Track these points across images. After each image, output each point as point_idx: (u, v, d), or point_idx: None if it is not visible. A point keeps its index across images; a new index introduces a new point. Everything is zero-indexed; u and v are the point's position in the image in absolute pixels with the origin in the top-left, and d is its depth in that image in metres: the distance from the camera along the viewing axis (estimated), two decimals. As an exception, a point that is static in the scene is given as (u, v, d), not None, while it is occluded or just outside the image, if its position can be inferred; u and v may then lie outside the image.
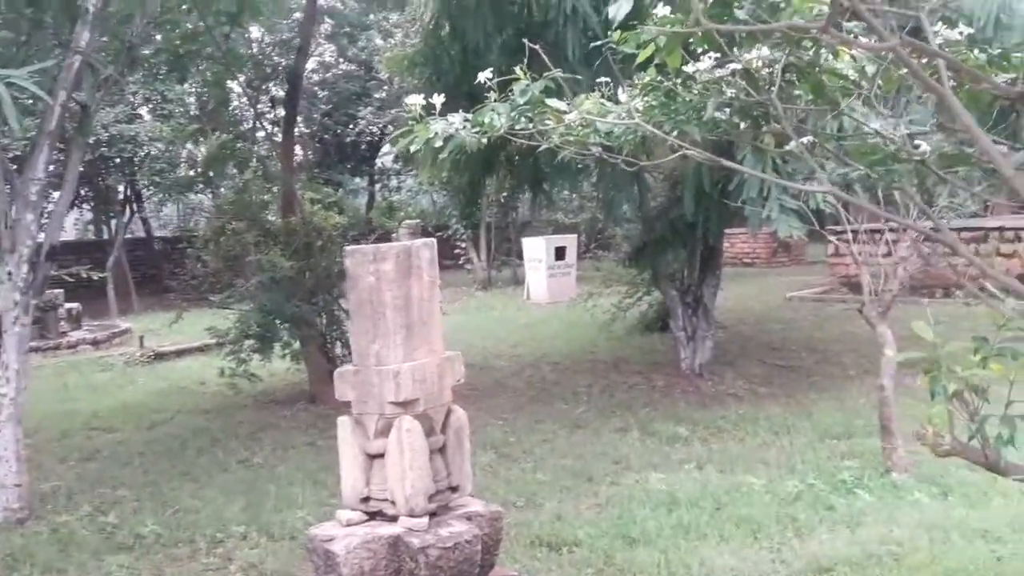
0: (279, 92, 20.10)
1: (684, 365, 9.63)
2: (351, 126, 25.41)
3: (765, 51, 2.96)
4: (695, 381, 9.30)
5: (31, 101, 9.33)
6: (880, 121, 3.29)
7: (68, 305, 15.15)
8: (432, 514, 3.77)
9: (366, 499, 3.85)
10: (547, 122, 3.01)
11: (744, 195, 7.37)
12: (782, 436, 7.22)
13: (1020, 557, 4.58)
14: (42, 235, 7.03)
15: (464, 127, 2.99)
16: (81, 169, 9.59)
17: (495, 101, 2.99)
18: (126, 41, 7.82)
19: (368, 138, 26.09)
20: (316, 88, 25.00)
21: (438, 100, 3.09)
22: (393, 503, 3.76)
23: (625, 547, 5.16)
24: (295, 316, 9.40)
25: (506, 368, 10.66)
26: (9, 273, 6.43)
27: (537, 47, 2.97)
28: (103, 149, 18.72)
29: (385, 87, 24.27)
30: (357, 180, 28.16)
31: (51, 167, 7.21)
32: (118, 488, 6.88)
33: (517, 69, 2.97)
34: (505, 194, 16.05)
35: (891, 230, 6.75)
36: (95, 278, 13.41)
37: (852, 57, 3.04)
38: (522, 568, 4.82)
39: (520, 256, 20.03)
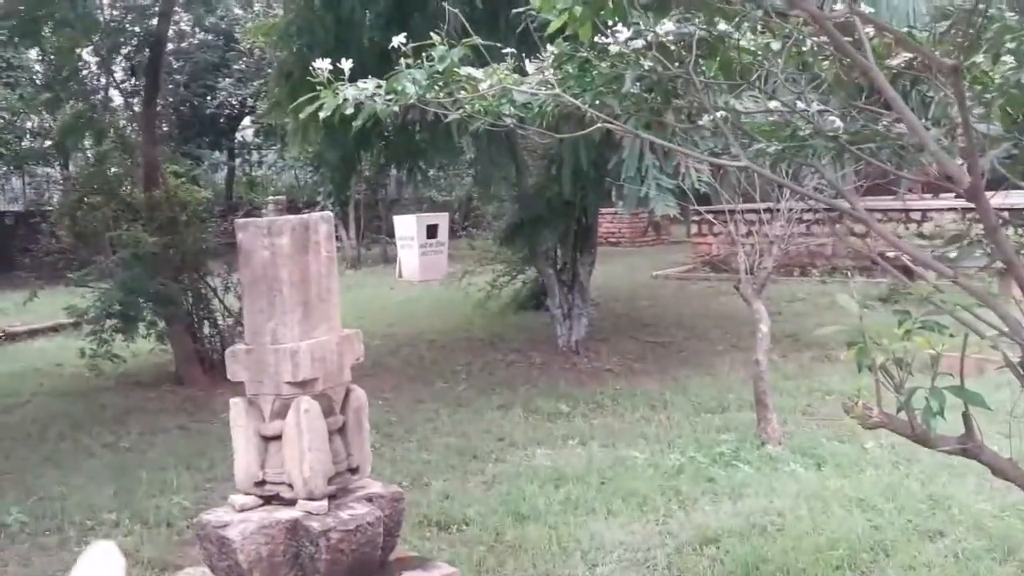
0: (135, 60, 19.13)
1: (561, 342, 9.72)
2: (209, 98, 24.47)
3: (670, 25, 2.98)
4: (572, 358, 9.41)
5: None
6: (780, 100, 3.36)
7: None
8: (331, 496, 3.65)
9: (261, 483, 3.69)
10: (461, 92, 2.92)
11: (623, 174, 7.48)
12: (659, 411, 7.39)
13: (895, 526, 4.82)
14: None
15: (378, 94, 2.87)
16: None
17: (408, 68, 2.88)
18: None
19: (227, 111, 25.19)
20: (171, 58, 23.91)
21: (346, 65, 2.96)
22: (291, 486, 3.62)
23: (515, 524, 5.16)
24: (160, 294, 8.98)
25: (382, 347, 10.51)
26: None
27: (456, 12, 2.87)
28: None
29: (245, 58, 23.47)
30: (216, 154, 27.16)
31: None
32: (-27, 476, 6.43)
33: (433, 34, 2.87)
34: (374, 170, 15.78)
35: (767, 210, 6.97)
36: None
37: (753, 33, 3.09)
38: (411, 548, 4.76)
39: (390, 234, 19.80)
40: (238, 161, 27.83)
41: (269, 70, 19.90)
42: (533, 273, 12.11)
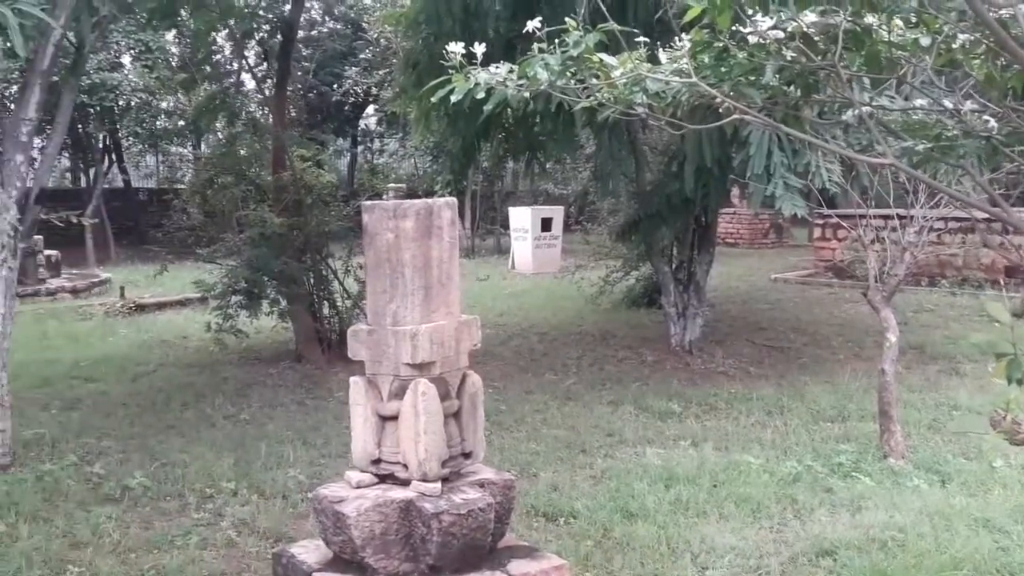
0: (267, 46, 19.75)
1: (674, 341, 9.57)
2: (336, 85, 25.05)
3: (813, 16, 2.86)
4: (685, 358, 9.26)
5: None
6: (926, 98, 3.20)
7: (47, 252, 14.85)
8: (444, 479, 3.68)
9: (377, 461, 3.74)
10: (593, 79, 2.88)
11: (750, 171, 7.30)
12: (776, 416, 7.19)
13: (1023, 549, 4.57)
14: (31, 179, 6.82)
15: (510, 79, 2.85)
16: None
17: (540, 53, 2.85)
18: (123, -19, 7.57)
19: (352, 99, 25.75)
20: (301, 45, 24.58)
21: (479, 49, 2.95)
22: (405, 467, 3.66)
23: (623, 521, 5.10)
24: (283, 273, 9.23)
25: (493, 336, 10.56)
26: (-3, 215, 6.22)
27: (597, 2, 2.82)
28: (83, 97, 18.32)
29: (371, 47, 23.93)
30: (340, 141, 27.83)
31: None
32: (103, 439, 6.72)
33: (568, 19, 2.83)
34: (492, 162, 15.89)
35: (899, 216, 6.69)
36: (85, 224, 13.12)
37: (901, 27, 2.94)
38: (519, 537, 4.75)
39: (504, 225, 19.90)
40: (360, 148, 28.45)
41: (394, 59, 20.27)
42: (647, 270, 11.98)
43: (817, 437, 6.61)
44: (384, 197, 17.59)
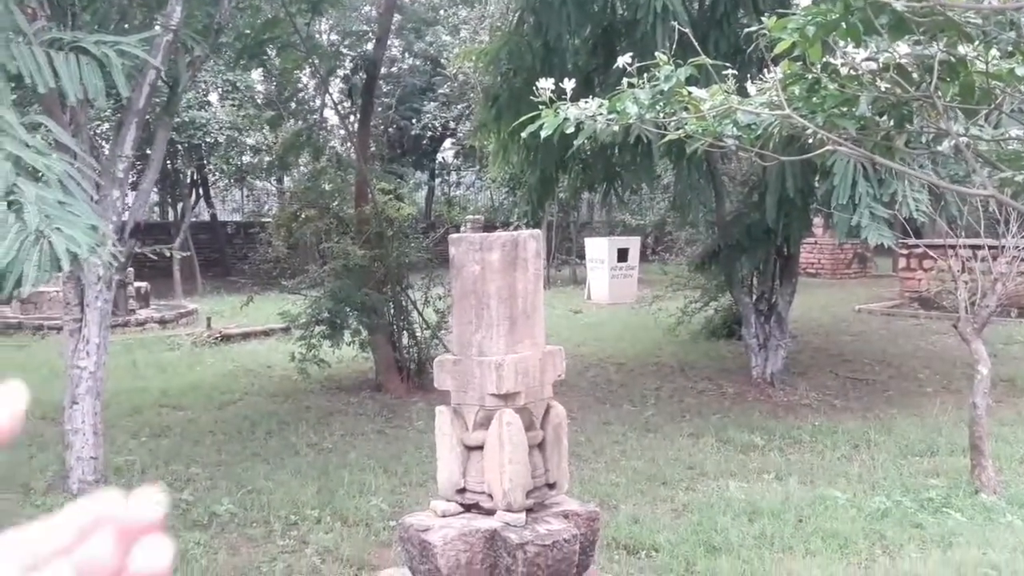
0: (349, 83, 20.25)
1: (755, 373, 9.44)
2: (415, 120, 25.49)
3: (905, 47, 2.85)
4: (767, 390, 9.12)
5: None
6: (1020, 127, 3.15)
7: (137, 284, 15.35)
8: (529, 510, 3.69)
9: (462, 491, 3.78)
10: (683, 112, 2.90)
11: (835, 201, 7.21)
12: (862, 450, 7.04)
13: None
14: (126, 213, 7.09)
15: (600, 113, 2.89)
16: (148, 151, 9.71)
17: (631, 87, 2.89)
18: (215, 22, 7.84)
19: (431, 133, 26.15)
20: (382, 82, 25.11)
21: (569, 85, 3.00)
22: (490, 496, 3.69)
23: (707, 555, 5.04)
24: (365, 304, 9.39)
25: (570, 367, 10.48)
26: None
27: (686, 32, 2.85)
28: (172, 134, 18.99)
29: (449, 83, 24.31)
30: (418, 174, 28.27)
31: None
32: (191, 466, 6.90)
33: (658, 54, 2.86)
34: (569, 193, 15.98)
35: (990, 247, 6.52)
36: (177, 256, 13.55)
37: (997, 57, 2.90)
38: (601, 570, 4.73)
39: (580, 256, 19.91)
40: (438, 181, 28.84)
41: (471, 94, 20.58)
42: (726, 301, 11.86)
43: (905, 472, 6.44)
44: (462, 229, 17.81)
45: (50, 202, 4.39)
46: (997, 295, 6.37)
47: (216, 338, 13.13)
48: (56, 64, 5.03)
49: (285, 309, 9.75)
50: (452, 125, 25.59)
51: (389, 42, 24.34)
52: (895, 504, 5.72)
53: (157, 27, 6.98)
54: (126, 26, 7.59)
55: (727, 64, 2.94)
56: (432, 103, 24.78)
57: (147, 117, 7.45)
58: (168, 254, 11.03)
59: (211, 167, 22.84)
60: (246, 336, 13.37)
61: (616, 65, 3.08)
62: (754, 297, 9.90)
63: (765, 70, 3.08)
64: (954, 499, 5.76)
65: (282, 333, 12.18)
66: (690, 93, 2.87)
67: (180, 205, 23.66)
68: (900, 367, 10.21)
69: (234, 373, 10.85)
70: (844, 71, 2.87)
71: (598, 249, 17.88)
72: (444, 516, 3.72)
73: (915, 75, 2.89)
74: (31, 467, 6.85)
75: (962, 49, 2.82)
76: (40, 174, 4.61)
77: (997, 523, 5.38)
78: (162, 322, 14.91)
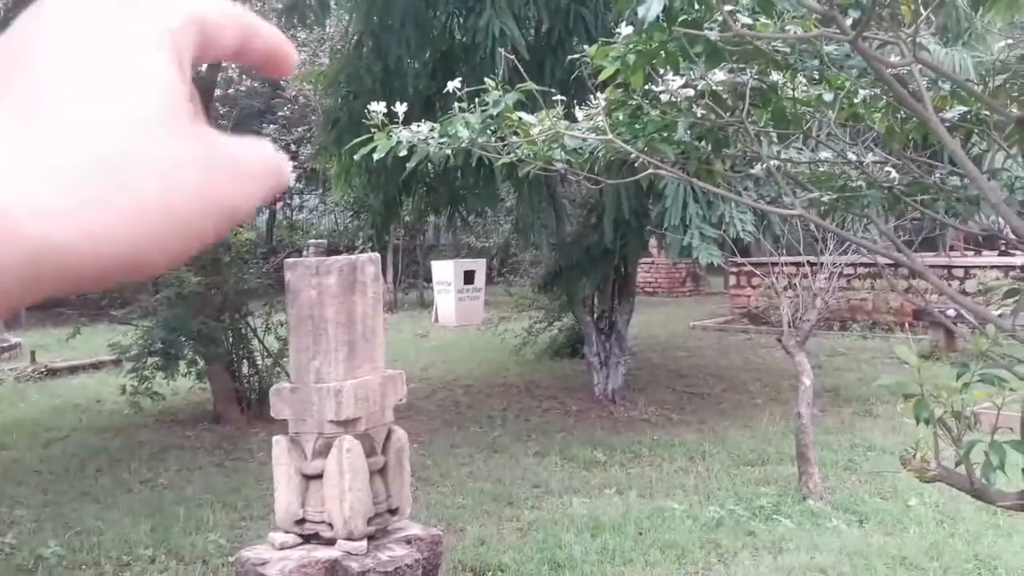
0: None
1: (597, 390, 9.66)
2: (254, 142, 24.90)
3: (721, 75, 3.00)
4: (609, 407, 9.34)
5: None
6: (830, 151, 3.36)
7: (-50, 317, 14.31)
8: (371, 537, 3.64)
9: (301, 521, 3.69)
10: (513, 136, 2.96)
11: (666, 223, 7.51)
12: (698, 462, 7.30)
13: (940, 582, 4.71)
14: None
15: (432, 137, 2.91)
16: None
17: (463, 111, 2.92)
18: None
19: (271, 156, 25.58)
20: (218, 104, 24.42)
21: (401, 109, 3.01)
22: (331, 525, 3.62)
23: (551, 572, 5.11)
24: (201, 333, 9.06)
25: (417, 390, 10.50)
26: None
27: (512, 58, 2.91)
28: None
29: (289, 105, 23.92)
30: (258, 197, 27.56)
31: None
32: (14, 507, 6.46)
33: (487, 79, 2.91)
34: (414, 216, 15.96)
35: (810, 263, 6.92)
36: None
37: (806, 84, 3.10)
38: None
39: (427, 279, 19.90)
40: (279, 205, 28.22)
41: (313, 117, 20.30)
42: (569, 321, 12.10)
43: (738, 481, 6.72)
44: (304, 253, 17.48)
45: None
46: (818, 310, 6.77)
47: (41, 372, 12.38)
48: None
49: (115, 340, 9.28)
50: (293, 148, 25.12)
51: (225, 64, 23.78)
52: (728, 513, 5.95)
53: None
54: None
55: (554, 91, 3.01)
56: (272, 125, 24.28)
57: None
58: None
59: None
60: (73, 370, 12.65)
61: (445, 89, 3.12)
62: (595, 316, 10.14)
63: (593, 96, 3.18)
64: (783, 506, 6.05)
65: (112, 365, 11.56)
66: (520, 119, 2.92)
67: None
68: (732, 380, 10.67)
69: (61, 409, 10.24)
70: (664, 98, 3.00)
71: (444, 272, 17.92)
72: (282, 548, 3.63)
73: (729, 101, 3.04)
74: None
75: (773, 76, 3.00)
76: None
77: (824, 527, 5.67)
78: (-20, 357, 13.94)
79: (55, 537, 5.76)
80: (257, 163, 0.41)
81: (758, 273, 11.36)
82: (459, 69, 9.37)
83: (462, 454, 7.79)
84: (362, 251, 19.84)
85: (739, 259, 8.31)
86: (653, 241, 13.62)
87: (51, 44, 0.37)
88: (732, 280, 16.43)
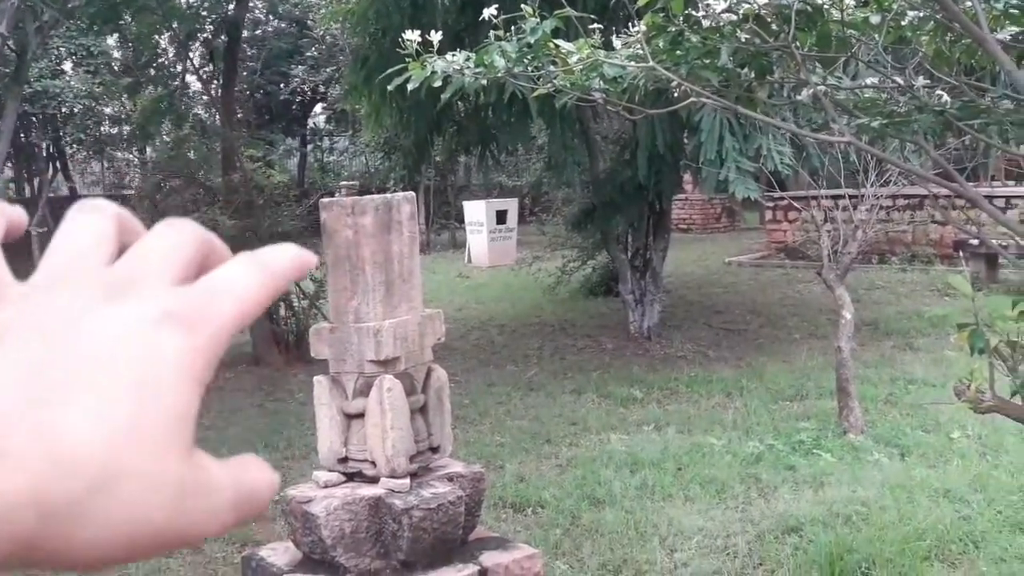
0: (212, 47, 19.50)
1: (633, 328, 9.63)
2: (283, 85, 24.80)
3: (763, -1, 2.89)
4: (644, 344, 9.31)
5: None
6: (876, 76, 3.25)
7: (-9, 264, 14.47)
8: (413, 475, 3.65)
9: (344, 460, 3.71)
10: (551, 66, 2.88)
11: (701, 157, 7.37)
12: (736, 398, 7.27)
13: (984, 517, 4.67)
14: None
15: (467, 67, 2.84)
16: None
17: (499, 40, 2.84)
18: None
19: (300, 97, 25.49)
20: (245, 45, 24.25)
21: (436, 37, 2.93)
22: (373, 464, 3.63)
23: (591, 507, 5.13)
24: (238, 276, 9.10)
25: (453, 331, 10.50)
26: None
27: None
28: (25, 105, 17.93)
29: (317, 45, 23.71)
30: (289, 140, 27.55)
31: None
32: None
33: (524, 6, 2.82)
34: (445, 156, 15.86)
35: (851, 196, 6.78)
36: (33, 233, 12.84)
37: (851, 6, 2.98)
38: (488, 529, 4.75)
39: (459, 220, 19.85)
40: (310, 147, 28.18)
41: (341, 57, 20.13)
42: (603, 259, 12.03)
43: (777, 416, 6.69)
44: (336, 195, 17.50)
45: None
46: (858, 243, 6.65)
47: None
48: None
49: (153, 284, 9.37)
50: (322, 89, 24.99)
51: (252, 3, 23.58)
52: (768, 448, 5.93)
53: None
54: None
55: (593, 17, 2.92)
56: (300, 67, 24.13)
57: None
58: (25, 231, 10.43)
59: (68, 139, 21.71)
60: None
61: (483, 20, 3.03)
62: (629, 254, 10.07)
63: (630, 24, 3.08)
64: (824, 441, 6.02)
65: (152, 309, 11.71)
66: (557, 46, 2.84)
67: (37, 180, 22.42)
68: (769, 316, 10.58)
69: (102, 353, 10.39)
70: (706, 23, 2.90)
71: (476, 212, 17.86)
72: (326, 486, 3.65)
73: (774, 26, 2.93)
74: None
75: (818, -1, 2.88)
76: None
77: (864, 461, 5.64)
78: (21, 303, 14.15)
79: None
80: (235, 493, 0.37)
81: (796, 207, 11.20)
82: (487, 3, 9.22)
83: (499, 393, 7.82)
84: (394, 192, 19.82)
85: (776, 193, 8.17)
86: (687, 176, 13.45)
87: (45, 334, 0.34)
88: (768, 215, 16.22)
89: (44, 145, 21.90)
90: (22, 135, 19.98)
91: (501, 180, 20.98)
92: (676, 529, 4.78)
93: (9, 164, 22.52)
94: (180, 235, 0.39)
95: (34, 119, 19.20)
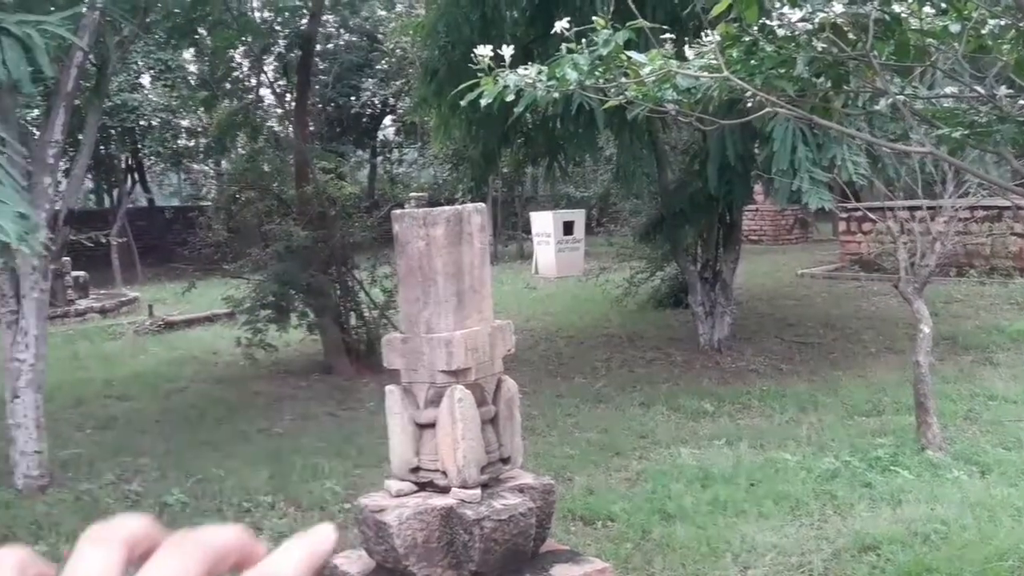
0: (284, 61, 19.86)
1: (703, 340, 9.53)
2: (353, 97, 25.16)
3: (839, 7, 2.84)
4: (715, 357, 9.21)
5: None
6: (955, 85, 3.17)
7: (75, 273, 14.97)
8: (484, 486, 3.67)
9: (416, 469, 3.74)
10: (623, 79, 2.87)
11: (774, 167, 7.27)
12: (810, 412, 7.14)
13: (1072, 536, 4.50)
14: (58, 201, 6.89)
15: (540, 80, 2.84)
16: (79, 136, 9.43)
17: (570, 52, 2.84)
18: (143, 1, 7.58)
19: (370, 110, 25.84)
20: (318, 59, 24.67)
21: (507, 51, 2.95)
22: (444, 474, 3.65)
23: (662, 522, 5.07)
24: (310, 286, 9.27)
25: (520, 342, 10.44)
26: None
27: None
28: (105, 118, 18.49)
29: (387, 58, 24.01)
30: (359, 152, 27.94)
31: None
32: (139, 456, 6.76)
33: (596, 18, 2.82)
34: (513, 167, 15.92)
35: (928, 207, 6.62)
36: (112, 243, 13.27)
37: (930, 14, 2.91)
38: (559, 542, 4.73)
39: (526, 230, 19.89)
40: (379, 159, 28.54)
41: (411, 70, 20.34)
42: (672, 270, 11.94)
43: (853, 432, 6.55)
44: (406, 206, 17.67)
45: (-26, 191, 4.23)
46: (936, 255, 6.48)
47: (159, 326, 12.89)
48: (-26, 46, 4.83)
49: (229, 294, 9.58)
50: (391, 101, 25.31)
51: (324, 17, 23.97)
52: (844, 464, 5.81)
53: (83, 6, 6.75)
54: (52, 8, 7.31)
55: (666, 27, 2.90)
56: (370, 80, 24.47)
57: (76, 101, 7.21)
58: (103, 241, 10.78)
59: (146, 151, 22.32)
60: (190, 323, 13.13)
61: (554, 33, 3.04)
62: (699, 265, 9.98)
63: (702, 34, 3.06)
64: (901, 457, 5.87)
65: (226, 318, 11.98)
66: (629, 58, 2.83)
67: (116, 191, 23.10)
68: (843, 329, 10.38)
69: (179, 361, 10.65)
70: (780, 32, 2.86)
71: (544, 223, 17.88)
72: (399, 496, 3.68)
73: (851, 35, 2.89)
74: (-29, 465, 6.67)
75: (896, 7, 2.82)
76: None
77: (944, 479, 5.48)
78: (103, 311, 14.58)
79: (178, 485, 6.01)
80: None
81: (871, 218, 10.97)
82: (557, 14, 9.23)
83: (567, 404, 7.80)
84: (461, 203, 19.93)
85: (851, 203, 8.02)
86: (758, 187, 13.30)
87: None
88: (842, 226, 15.90)
89: (123, 157, 22.53)
90: (102, 147, 20.60)
91: (568, 191, 20.98)
92: (749, 546, 4.70)
93: (89, 176, 23.22)
94: (184, 561, 0.40)
95: (113, 132, 19.78)
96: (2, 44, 4.99)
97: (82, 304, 14.72)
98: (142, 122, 20.01)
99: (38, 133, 7.18)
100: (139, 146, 21.80)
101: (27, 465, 6.11)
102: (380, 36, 23.53)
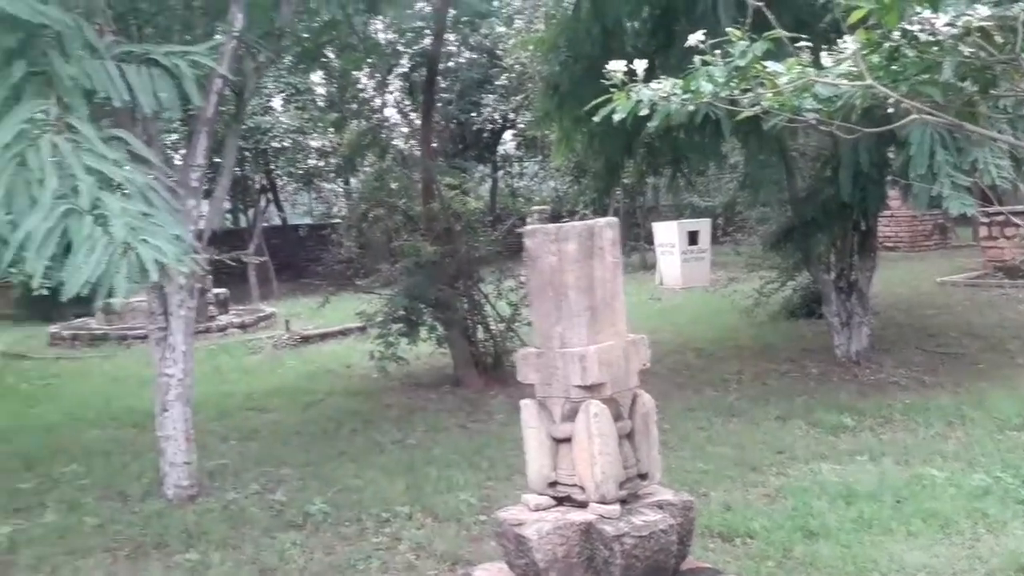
0: (409, 81, 20.33)
1: (839, 352, 9.24)
2: (475, 114, 25.52)
3: (984, 10, 2.72)
4: (852, 369, 8.91)
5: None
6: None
7: (216, 290, 15.66)
8: (622, 501, 3.65)
9: (553, 484, 3.75)
10: (759, 87, 2.82)
11: (912, 172, 7.00)
12: (957, 427, 6.83)
13: None
14: (202, 221, 7.21)
15: (675, 94, 2.83)
16: (219, 159, 9.88)
17: (705, 64, 2.81)
18: (275, 26, 7.86)
19: (491, 125, 26.14)
20: (440, 77, 25.13)
21: (640, 66, 2.94)
22: (582, 489, 3.65)
23: (804, 540, 4.93)
24: (439, 300, 9.44)
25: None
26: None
27: (760, 5, 2.77)
28: (239, 141, 19.32)
29: (507, 74, 24.26)
30: (481, 167, 28.32)
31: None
32: (281, 467, 7.00)
33: (730, 30, 2.78)
34: (635, 178, 15.82)
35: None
36: (253, 262, 13.82)
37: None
38: (698, 559, 4.66)
39: (648, 241, 19.73)
40: (500, 173, 28.85)
41: (530, 84, 20.50)
42: (804, 280, 11.64)
43: (1004, 447, 6.23)
44: (529, 220, 17.78)
45: (134, 214, 4.48)
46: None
47: (295, 340, 13.34)
48: (129, 77, 5.10)
49: (361, 309, 9.86)
50: (512, 116, 25.55)
51: (446, 36, 24.42)
52: (995, 481, 5.53)
53: (219, 35, 7.07)
54: (188, 37, 7.68)
55: (804, 36, 2.84)
56: (491, 95, 24.78)
57: (215, 125, 7.56)
58: (245, 260, 11.26)
59: (279, 172, 23.19)
60: (324, 337, 13.55)
61: (676, 45, 3.03)
62: (833, 274, 9.69)
63: (837, 41, 2.99)
64: (1058, 474, 5.56)
65: (359, 332, 12.32)
66: (766, 68, 2.79)
67: (251, 211, 24.06)
68: (988, 339, 9.89)
69: (315, 374, 11.00)
70: (923, 37, 2.77)
71: (667, 233, 17.70)
72: (537, 510, 3.70)
73: (998, 37, 2.77)
74: (126, 475, 7.04)
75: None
76: (121, 187, 4.71)
77: (1105, 496, 5.17)
78: (242, 327, 15.20)
79: (319, 495, 6.19)
80: None
81: (1016, 222, 10.44)
82: (678, 25, 9.14)
83: (699, 418, 7.68)
84: (583, 216, 20.00)
85: (992, 208, 7.66)
86: (892, 193, 12.84)
87: None
88: (983, 231, 15.18)
89: (257, 178, 23.46)
90: (237, 169, 21.53)
91: (692, 200, 20.72)
92: (898, 565, 4.52)
93: (227, 196, 24.29)
94: None
95: (247, 153, 20.64)
96: (152, 75, 5.26)
97: (223, 320, 15.38)
98: (274, 143, 20.80)
99: (178, 157, 7.59)
100: (272, 167, 22.66)
101: (177, 476, 6.41)
102: (500, 52, 23.81)
